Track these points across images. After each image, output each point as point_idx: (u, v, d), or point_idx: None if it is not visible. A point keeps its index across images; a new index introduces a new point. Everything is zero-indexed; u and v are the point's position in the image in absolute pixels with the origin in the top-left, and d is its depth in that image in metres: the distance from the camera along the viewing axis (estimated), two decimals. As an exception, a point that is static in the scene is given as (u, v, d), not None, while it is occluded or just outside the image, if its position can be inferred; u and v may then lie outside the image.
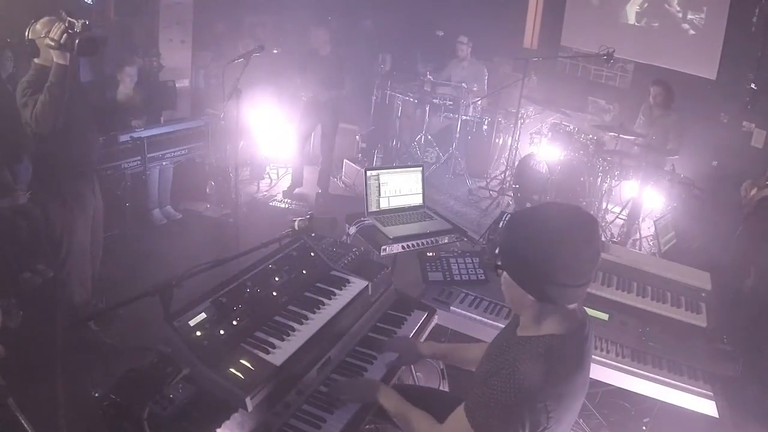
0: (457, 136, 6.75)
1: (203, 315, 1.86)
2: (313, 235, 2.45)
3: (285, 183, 6.24)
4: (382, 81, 7.47)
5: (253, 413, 1.69)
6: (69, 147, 3.16)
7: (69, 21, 2.78)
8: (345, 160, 6.62)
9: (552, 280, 1.46)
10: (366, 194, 3.40)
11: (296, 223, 2.36)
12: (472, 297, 2.81)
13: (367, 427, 1.95)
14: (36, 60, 2.97)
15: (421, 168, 3.61)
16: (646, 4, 6.70)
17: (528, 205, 5.69)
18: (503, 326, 2.47)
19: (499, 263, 1.57)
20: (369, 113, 7.57)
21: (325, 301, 2.17)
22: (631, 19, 6.86)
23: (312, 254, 2.38)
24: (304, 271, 2.28)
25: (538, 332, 1.52)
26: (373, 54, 7.55)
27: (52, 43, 2.79)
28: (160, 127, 5.01)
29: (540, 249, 1.45)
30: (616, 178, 5.42)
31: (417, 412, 1.77)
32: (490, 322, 2.66)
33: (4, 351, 2.53)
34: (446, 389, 2.67)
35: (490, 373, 1.51)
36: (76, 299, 3.33)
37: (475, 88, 6.75)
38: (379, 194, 3.43)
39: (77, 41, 2.79)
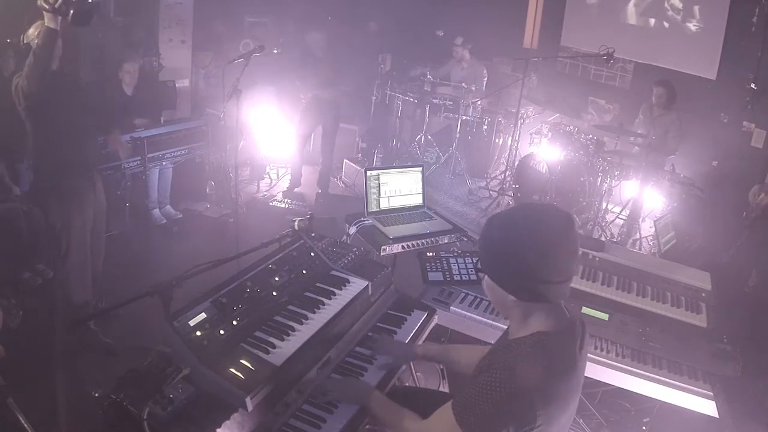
0: (457, 136, 6.75)
1: (203, 315, 1.86)
2: (313, 235, 2.45)
3: (285, 183, 6.24)
4: (382, 81, 7.46)
5: (253, 413, 1.69)
6: (67, 145, 3.16)
7: None
8: (345, 160, 6.62)
9: (530, 277, 1.46)
10: (366, 194, 3.40)
11: (296, 223, 2.36)
12: (472, 297, 2.81)
13: (367, 427, 1.95)
14: None
15: (421, 168, 3.61)
16: (646, 4, 6.70)
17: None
18: (503, 326, 2.49)
19: (479, 266, 1.60)
20: (369, 113, 7.57)
21: (325, 301, 2.17)
22: (632, 19, 6.86)
23: (312, 254, 2.38)
24: (304, 271, 2.28)
25: (526, 332, 1.53)
26: (374, 54, 7.55)
27: (46, 6, 2.70)
28: (160, 127, 5.01)
29: (515, 247, 1.47)
30: (616, 178, 5.41)
31: (402, 411, 1.77)
32: (490, 322, 2.66)
33: (4, 351, 2.53)
34: (446, 390, 2.67)
35: (479, 371, 1.54)
36: (76, 299, 3.33)
37: (474, 89, 6.75)
38: (379, 194, 3.43)
39: (72, 11, 2.70)
